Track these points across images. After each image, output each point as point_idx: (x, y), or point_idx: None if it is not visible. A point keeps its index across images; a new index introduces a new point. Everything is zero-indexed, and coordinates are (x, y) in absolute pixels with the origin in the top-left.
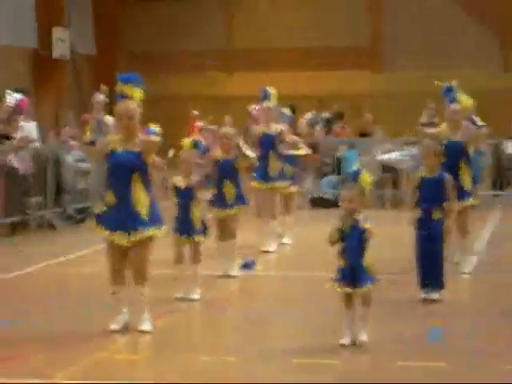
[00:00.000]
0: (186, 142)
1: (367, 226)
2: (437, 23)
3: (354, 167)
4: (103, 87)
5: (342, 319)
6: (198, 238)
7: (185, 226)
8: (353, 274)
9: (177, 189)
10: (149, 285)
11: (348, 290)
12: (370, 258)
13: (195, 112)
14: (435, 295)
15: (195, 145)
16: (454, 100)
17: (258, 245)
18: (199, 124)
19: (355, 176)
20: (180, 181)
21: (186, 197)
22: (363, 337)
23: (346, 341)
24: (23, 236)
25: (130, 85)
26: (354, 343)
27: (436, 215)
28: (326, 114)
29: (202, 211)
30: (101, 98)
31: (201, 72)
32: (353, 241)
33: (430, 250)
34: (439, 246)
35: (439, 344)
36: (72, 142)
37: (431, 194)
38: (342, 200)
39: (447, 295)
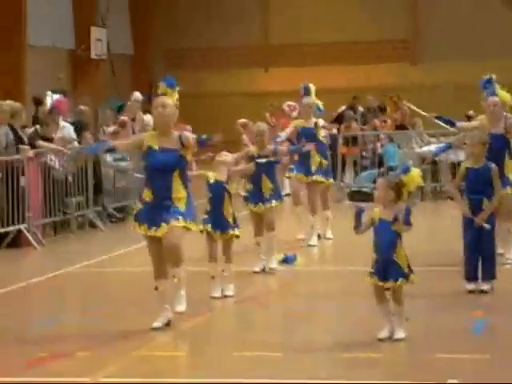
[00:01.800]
0: None
1: (396, 226)
2: (474, 14)
3: (397, 162)
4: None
5: (379, 313)
6: (231, 233)
7: (217, 222)
8: (384, 267)
9: (209, 184)
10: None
11: (377, 282)
12: (408, 251)
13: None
14: (486, 286)
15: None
16: (493, 93)
17: (296, 237)
18: (241, 121)
19: (404, 172)
20: (212, 176)
21: (217, 192)
22: (399, 335)
23: (382, 335)
24: (65, 236)
25: (170, 88)
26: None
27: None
28: (361, 108)
29: (234, 206)
30: (139, 96)
31: (237, 68)
32: (382, 234)
33: (482, 241)
34: (492, 236)
35: (484, 336)
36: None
37: (479, 185)
38: (376, 189)
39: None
